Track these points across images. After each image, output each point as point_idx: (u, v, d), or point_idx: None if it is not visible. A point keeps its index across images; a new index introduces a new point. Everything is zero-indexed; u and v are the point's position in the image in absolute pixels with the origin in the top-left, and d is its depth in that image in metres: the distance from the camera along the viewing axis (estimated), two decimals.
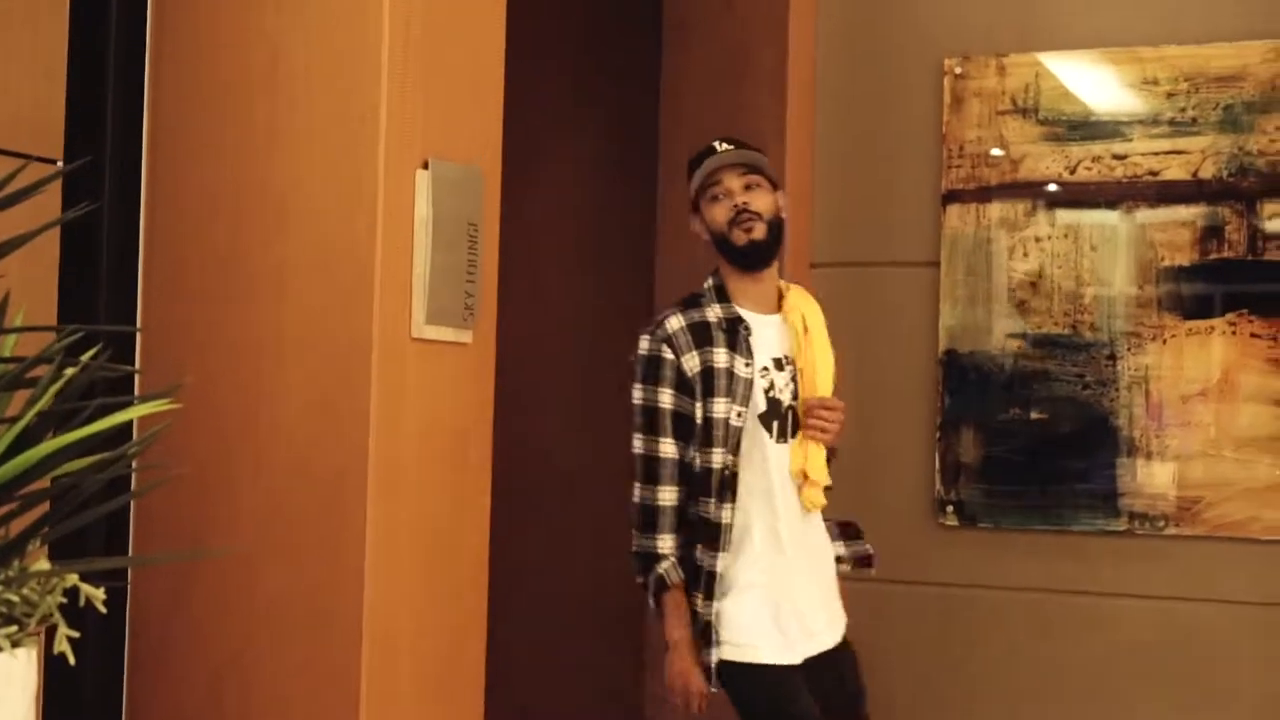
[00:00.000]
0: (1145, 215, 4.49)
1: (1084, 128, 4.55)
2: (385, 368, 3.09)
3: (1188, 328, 4.44)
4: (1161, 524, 4.44)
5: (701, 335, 3.56)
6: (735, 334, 3.56)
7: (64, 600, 2.08)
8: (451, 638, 3.28)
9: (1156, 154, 4.48)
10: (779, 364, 3.59)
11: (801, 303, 3.66)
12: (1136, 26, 4.53)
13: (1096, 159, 4.53)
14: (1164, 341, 4.44)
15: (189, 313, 3.21)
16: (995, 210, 4.61)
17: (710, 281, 3.64)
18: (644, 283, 5.00)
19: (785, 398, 3.58)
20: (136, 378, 2.96)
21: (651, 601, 3.58)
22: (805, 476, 3.56)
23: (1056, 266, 4.55)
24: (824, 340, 3.65)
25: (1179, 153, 4.46)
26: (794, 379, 3.60)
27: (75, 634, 2.04)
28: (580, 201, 5.50)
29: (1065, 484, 4.51)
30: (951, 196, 4.65)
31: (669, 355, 3.54)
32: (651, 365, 3.55)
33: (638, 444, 3.57)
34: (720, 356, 3.54)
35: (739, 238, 3.57)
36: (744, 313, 3.60)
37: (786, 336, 3.62)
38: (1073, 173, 4.55)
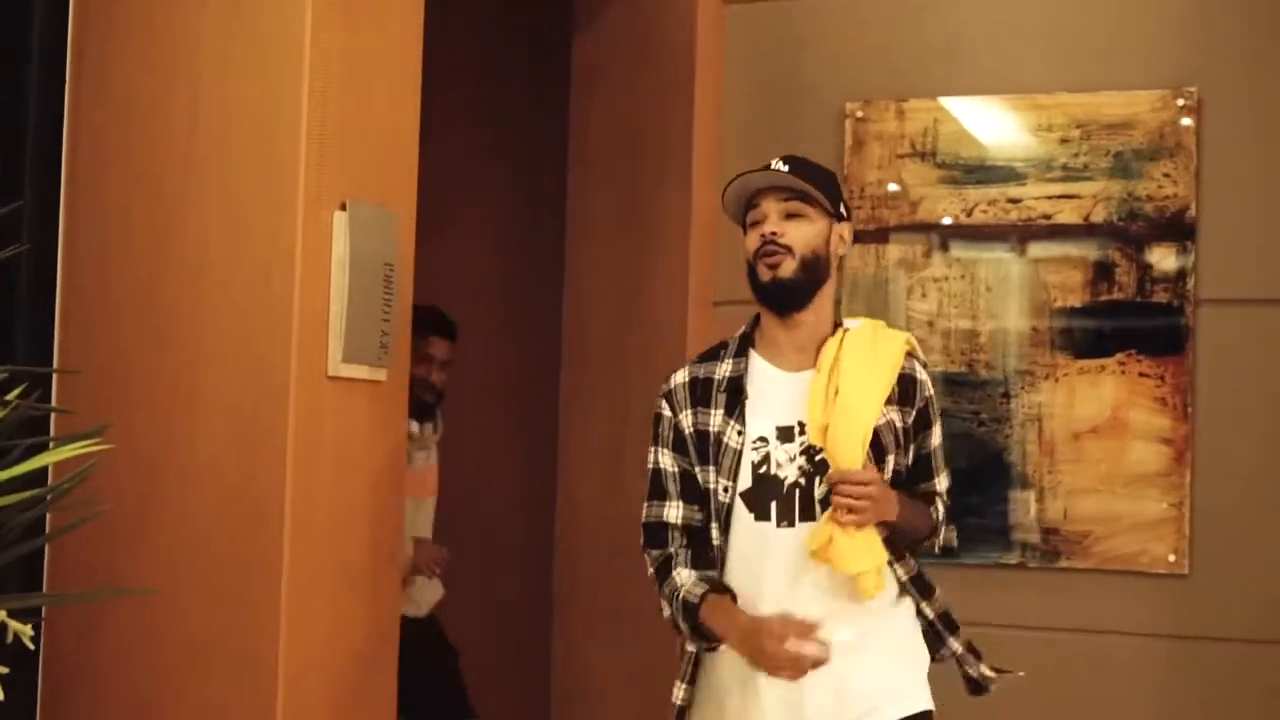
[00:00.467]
0: (1039, 257, 4.62)
1: (980, 171, 4.68)
2: (302, 406, 3.13)
3: (1079, 366, 4.57)
4: (1053, 557, 4.56)
5: (701, 393, 3.14)
6: (734, 396, 3.11)
7: None
8: (365, 674, 3.32)
9: (1050, 198, 4.62)
10: (785, 434, 3.07)
11: (852, 350, 3.11)
12: (1032, 74, 4.67)
13: (992, 202, 4.66)
14: (1056, 380, 4.57)
15: (107, 352, 3.24)
16: (894, 250, 4.72)
17: (744, 328, 3.21)
18: (554, 323, 5.07)
19: (789, 474, 3.06)
20: (53, 417, 2.98)
21: (693, 636, 3.10)
22: (841, 568, 3.00)
23: (953, 306, 4.67)
24: (864, 398, 3.07)
25: (1071, 197, 4.60)
26: (813, 450, 3.06)
27: (4, 669, 2.07)
28: (491, 243, 5.57)
29: (959, 518, 4.61)
30: (852, 236, 4.75)
31: (667, 413, 3.16)
32: (654, 423, 3.18)
33: (643, 510, 3.18)
34: (716, 420, 3.12)
35: (763, 273, 3.10)
36: (763, 368, 3.14)
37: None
38: (969, 215, 4.68)
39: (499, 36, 5.54)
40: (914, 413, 3.18)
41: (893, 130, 4.76)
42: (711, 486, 3.09)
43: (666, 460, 3.14)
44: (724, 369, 3.15)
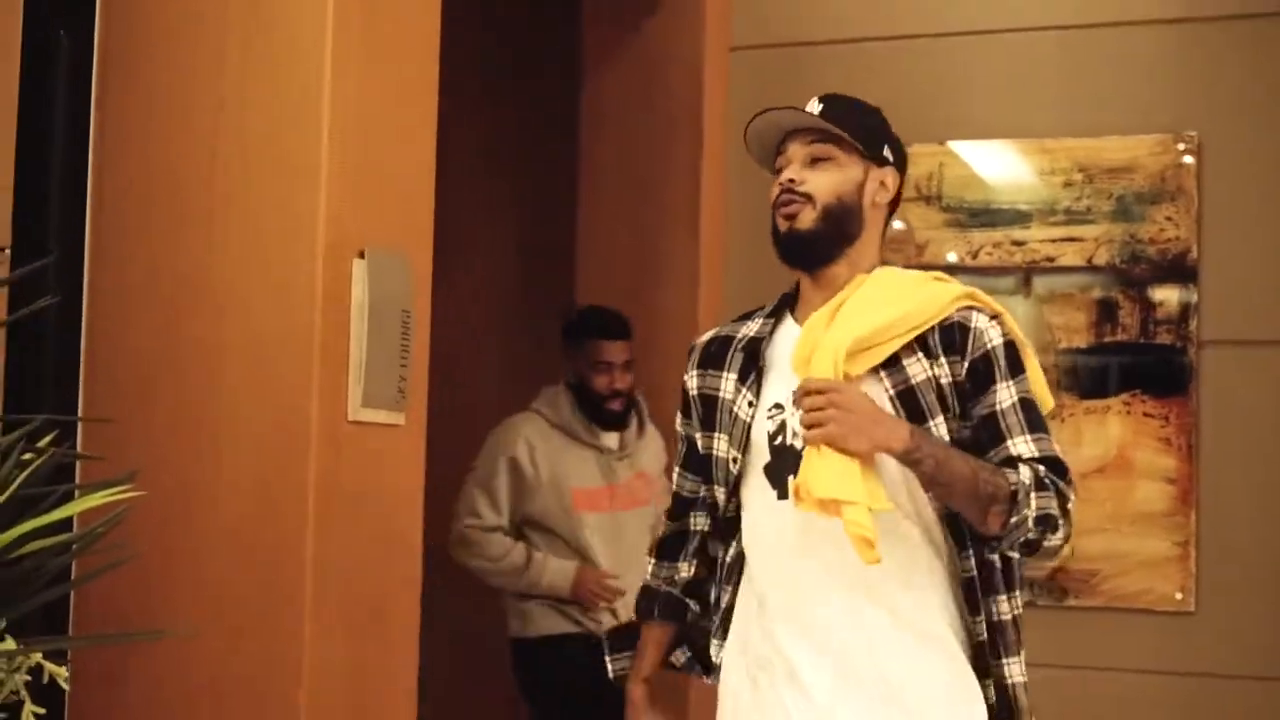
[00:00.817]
0: (1043, 298, 4.69)
1: (985, 214, 4.75)
2: (323, 450, 3.19)
3: (1085, 406, 4.63)
4: (1061, 595, 4.61)
5: (717, 354, 2.81)
6: (750, 359, 2.75)
7: (29, 678, 2.17)
8: (384, 711, 3.37)
9: (1054, 240, 4.68)
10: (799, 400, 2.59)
11: (873, 284, 2.70)
12: (1035, 119, 4.74)
13: (997, 244, 4.73)
14: (1062, 420, 4.63)
15: (131, 399, 3.30)
16: None
17: (790, 288, 2.84)
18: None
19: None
20: (78, 464, 3.04)
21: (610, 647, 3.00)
22: (811, 500, 2.52)
23: None
24: (858, 321, 2.62)
25: (1075, 239, 4.67)
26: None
27: (42, 710, 2.13)
28: (501, 286, 5.64)
29: None
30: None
31: (685, 375, 2.87)
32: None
33: None
34: (728, 385, 2.77)
35: (780, 224, 2.73)
36: (793, 330, 2.74)
37: None
38: (975, 257, 4.75)
39: (508, 80, 5.62)
40: (965, 366, 2.64)
41: None
42: (719, 455, 2.77)
43: (679, 423, 2.89)
44: (749, 329, 2.80)
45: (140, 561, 3.17)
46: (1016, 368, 2.65)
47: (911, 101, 4.86)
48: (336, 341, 3.23)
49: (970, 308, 2.70)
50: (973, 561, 2.64)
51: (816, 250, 2.71)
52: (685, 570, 2.90)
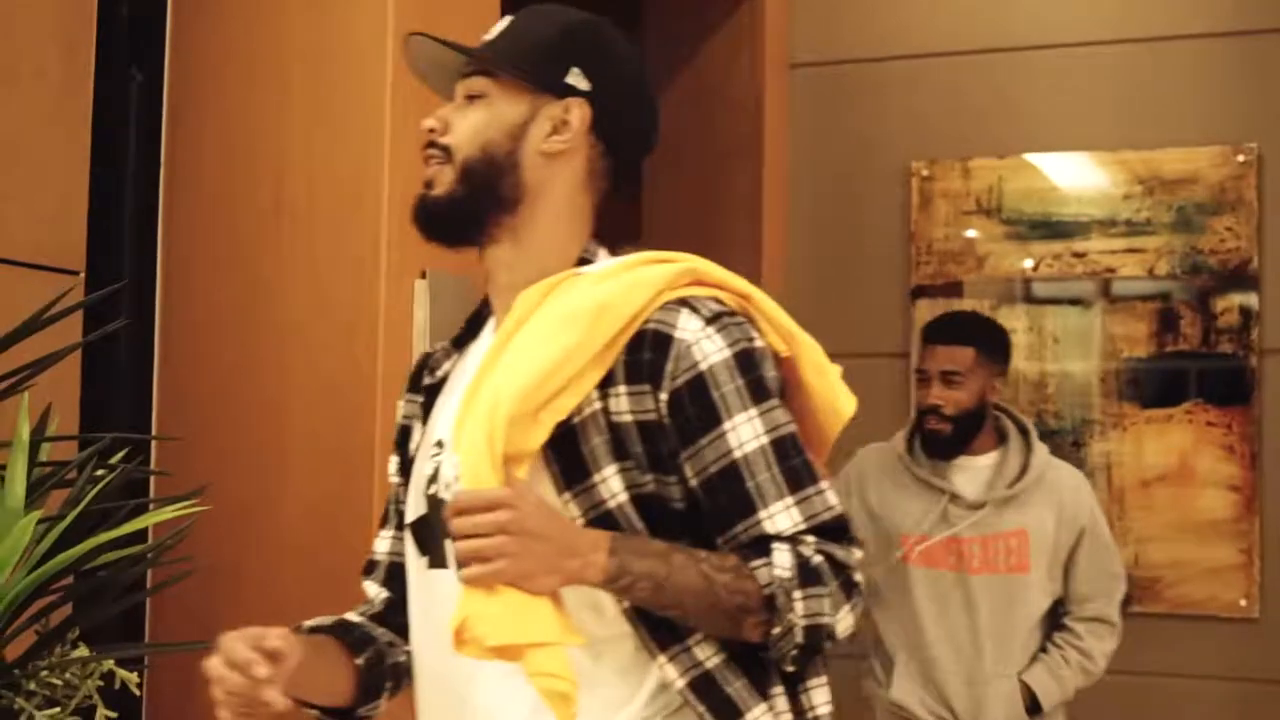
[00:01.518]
0: (1104, 310, 4.72)
1: (1045, 227, 4.79)
2: (384, 467, 3.29)
3: (1146, 416, 4.66)
4: (1125, 602, 4.63)
5: (417, 371, 2.18)
6: (436, 378, 2.10)
7: (101, 683, 2.29)
8: None
9: (1114, 252, 4.72)
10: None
11: (556, 298, 1.92)
12: (1095, 133, 4.78)
13: (1057, 256, 4.77)
14: (1124, 429, 4.66)
15: (201, 418, 3.42)
16: (963, 305, 4.84)
17: None
18: None
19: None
20: (152, 480, 3.16)
21: None
22: (480, 648, 1.76)
23: (1022, 358, 4.77)
24: (522, 369, 1.83)
25: (1135, 251, 4.70)
26: None
27: (114, 714, 2.24)
28: None
29: None
30: (920, 291, 4.88)
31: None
32: None
33: None
34: (415, 412, 2.14)
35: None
36: (487, 337, 2.07)
37: None
38: (1035, 270, 4.79)
39: None
40: (664, 397, 1.86)
41: (958, 188, 4.88)
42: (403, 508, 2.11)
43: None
44: (455, 335, 2.14)
45: (211, 574, 3.29)
46: (758, 392, 1.87)
47: (972, 116, 4.93)
48: (399, 360, 3.33)
49: (680, 304, 1.90)
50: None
51: (454, 225, 2.02)
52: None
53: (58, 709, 2.16)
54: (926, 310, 4.85)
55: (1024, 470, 3.84)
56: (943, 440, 3.82)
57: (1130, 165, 4.72)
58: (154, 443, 3.36)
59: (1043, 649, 3.87)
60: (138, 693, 2.29)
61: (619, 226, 5.56)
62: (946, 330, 3.93)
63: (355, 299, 3.32)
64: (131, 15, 3.46)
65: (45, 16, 3.19)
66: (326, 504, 3.31)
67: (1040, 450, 3.88)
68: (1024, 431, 3.92)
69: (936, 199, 4.91)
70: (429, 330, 3.38)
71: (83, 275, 3.19)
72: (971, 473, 3.87)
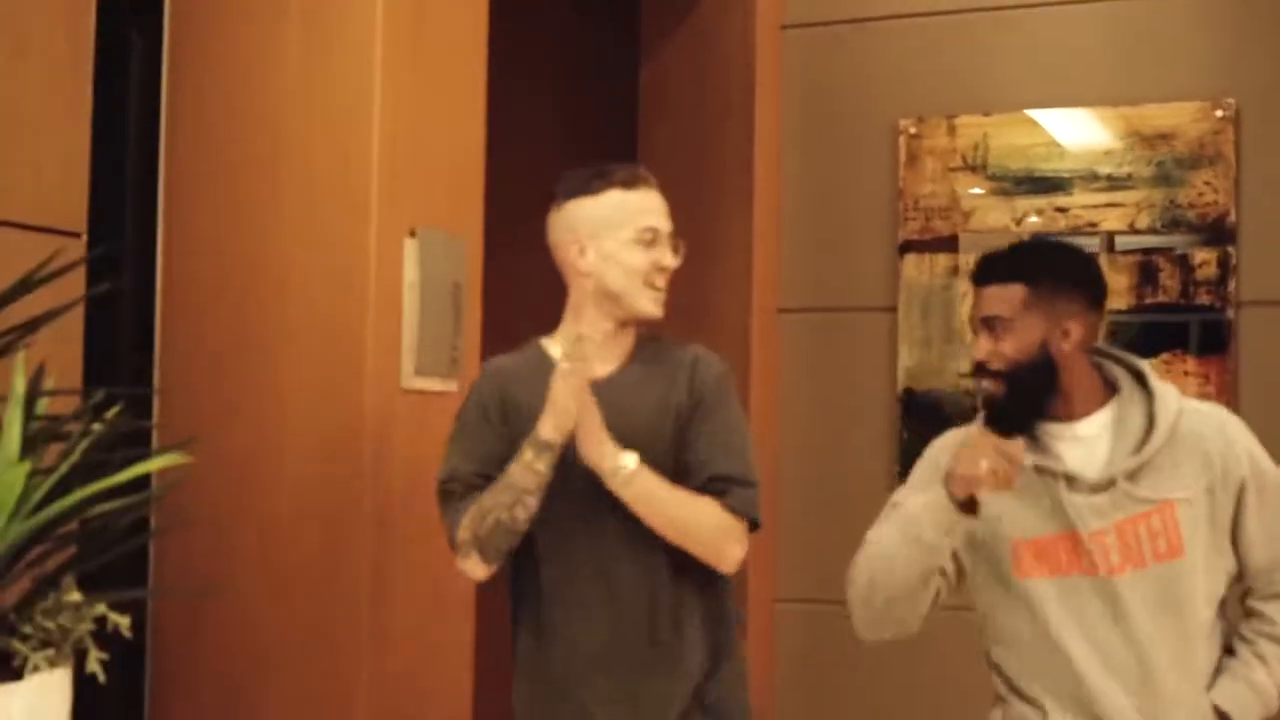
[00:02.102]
0: None
1: (1028, 183, 4.89)
2: (377, 416, 3.43)
3: None
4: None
5: None
6: None
7: (94, 627, 2.41)
8: (442, 665, 3.61)
9: (1095, 206, 4.82)
10: None
11: None
12: (1077, 90, 4.88)
13: (1040, 211, 4.87)
14: None
15: (201, 371, 3.55)
16: (948, 259, 4.95)
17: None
18: None
19: None
20: (154, 432, 3.30)
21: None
22: None
23: None
24: None
25: (1116, 205, 4.80)
26: None
27: (104, 655, 2.36)
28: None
29: None
30: (908, 246, 4.99)
31: None
32: None
33: None
34: None
35: None
36: None
37: None
38: (1019, 224, 4.90)
39: (568, 62, 5.81)
40: None
41: (945, 145, 4.98)
42: None
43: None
44: None
45: (212, 524, 3.44)
46: None
47: (956, 74, 5.03)
48: (390, 315, 3.46)
49: None
50: None
51: None
52: None
53: (53, 650, 2.28)
54: (913, 266, 4.96)
55: (1150, 426, 2.90)
56: (999, 408, 2.87)
57: (1112, 121, 4.82)
58: (156, 398, 3.49)
59: (1228, 650, 2.94)
60: (129, 635, 2.41)
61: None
62: (987, 268, 2.99)
63: (348, 256, 3.45)
64: None
65: None
66: (324, 452, 3.45)
67: (1165, 394, 2.94)
68: (1138, 376, 3.00)
69: (924, 156, 5.01)
70: (419, 284, 3.51)
71: (84, 237, 3.31)
72: (1083, 443, 2.92)
